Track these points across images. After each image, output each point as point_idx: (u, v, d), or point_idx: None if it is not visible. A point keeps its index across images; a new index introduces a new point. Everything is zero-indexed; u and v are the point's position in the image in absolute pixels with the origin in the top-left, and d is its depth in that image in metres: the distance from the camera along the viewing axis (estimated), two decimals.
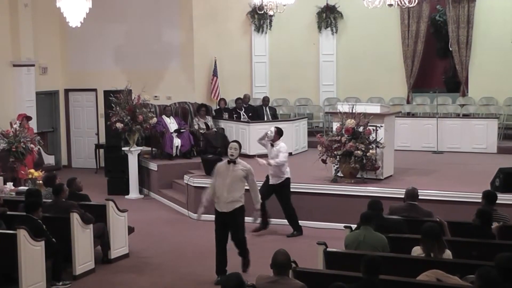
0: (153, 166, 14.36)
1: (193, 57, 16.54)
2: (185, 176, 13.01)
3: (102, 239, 9.57)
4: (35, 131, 14.90)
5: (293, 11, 15.39)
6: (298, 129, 15.46)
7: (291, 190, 11.61)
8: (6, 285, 8.21)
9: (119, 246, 9.83)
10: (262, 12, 15.07)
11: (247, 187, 8.84)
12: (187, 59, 16.60)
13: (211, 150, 14.48)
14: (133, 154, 14.21)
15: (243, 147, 14.43)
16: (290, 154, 14.75)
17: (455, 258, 6.77)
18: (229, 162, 8.68)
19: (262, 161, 10.70)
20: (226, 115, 15.73)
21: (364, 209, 7.87)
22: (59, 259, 8.62)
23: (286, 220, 11.41)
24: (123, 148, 14.32)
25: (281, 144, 10.97)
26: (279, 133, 11.06)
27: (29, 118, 14.60)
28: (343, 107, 11.95)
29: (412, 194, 8.55)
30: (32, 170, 12.55)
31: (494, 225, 7.70)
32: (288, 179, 11.05)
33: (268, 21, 17.30)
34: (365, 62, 17.19)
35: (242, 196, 8.68)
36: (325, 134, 13.00)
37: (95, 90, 17.17)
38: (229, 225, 8.69)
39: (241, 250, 8.91)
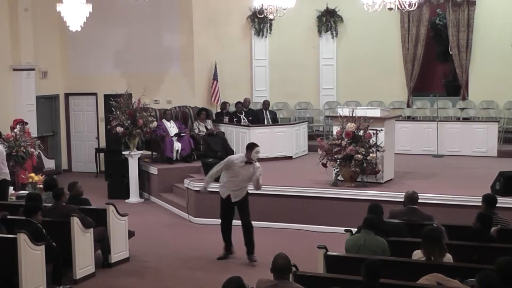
0: (153, 170, 14.35)
1: (193, 61, 16.54)
2: (185, 180, 13.00)
3: (102, 243, 9.56)
4: (36, 135, 14.90)
5: (293, 15, 15.38)
6: (298, 133, 15.45)
7: (292, 194, 11.64)
8: None
9: (119, 250, 9.82)
10: (262, 16, 15.07)
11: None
12: (187, 63, 16.61)
13: (211, 154, 14.48)
14: (133, 158, 14.21)
15: (243, 151, 14.56)
16: (290, 158, 14.86)
17: (455, 261, 6.76)
18: (246, 162, 9.57)
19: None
20: (226, 119, 15.73)
21: (364, 213, 7.87)
22: (59, 263, 8.61)
23: (288, 224, 11.43)
24: (123, 152, 14.32)
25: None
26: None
27: (25, 123, 14.57)
28: (343, 111, 11.95)
29: (412, 198, 8.53)
30: (32, 174, 12.57)
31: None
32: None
33: (268, 25, 17.30)
34: (365, 66, 17.19)
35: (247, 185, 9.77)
36: (325, 138, 13.01)
37: (95, 94, 17.18)
38: (238, 210, 9.78)
39: (248, 236, 9.78)
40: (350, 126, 11.46)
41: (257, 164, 9.72)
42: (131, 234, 10.24)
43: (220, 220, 10.05)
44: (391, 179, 12.15)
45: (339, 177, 11.78)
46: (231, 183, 9.71)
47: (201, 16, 16.56)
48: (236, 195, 9.73)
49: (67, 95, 17.70)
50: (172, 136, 14.68)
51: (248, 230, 9.78)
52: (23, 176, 12.64)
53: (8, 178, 11.44)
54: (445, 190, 11.16)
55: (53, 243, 8.52)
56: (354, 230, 7.80)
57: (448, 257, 6.71)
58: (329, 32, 17.43)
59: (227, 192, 9.77)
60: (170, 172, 14.15)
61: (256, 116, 15.88)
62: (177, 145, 14.57)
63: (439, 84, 18.15)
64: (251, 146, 9.69)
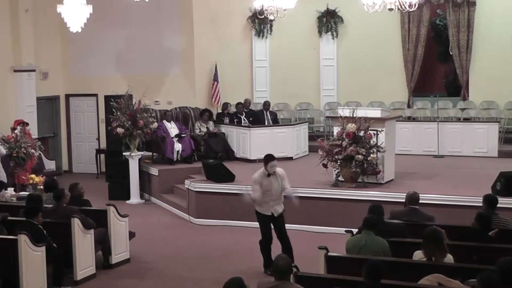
0: (154, 171, 14.36)
1: (194, 62, 16.56)
2: (186, 181, 13.00)
3: (103, 244, 9.56)
4: (36, 136, 14.90)
5: (293, 15, 15.39)
6: (298, 133, 15.44)
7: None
8: None
9: (120, 251, 9.82)
10: (263, 16, 15.07)
11: None
12: (188, 64, 16.62)
13: (212, 154, 14.48)
14: (134, 159, 14.21)
15: (244, 152, 14.65)
16: (291, 158, 14.85)
17: (456, 262, 6.76)
18: (268, 175, 9.25)
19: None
20: (226, 120, 15.74)
21: (365, 213, 7.86)
22: (60, 264, 8.61)
23: (289, 224, 11.38)
24: (124, 153, 14.32)
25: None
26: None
27: (26, 124, 14.58)
28: (344, 112, 11.94)
29: (413, 198, 8.54)
30: (33, 176, 12.56)
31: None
32: None
33: (269, 25, 17.31)
34: (365, 67, 17.19)
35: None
36: (326, 139, 12.99)
37: (96, 95, 17.19)
38: (277, 225, 9.41)
39: (287, 246, 9.34)
40: (351, 127, 11.46)
41: (279, 172, 9.37)
42: (131, 235, 10.24)
43: (263, 238, 9.45)
44: (391, 180, 12.14)
45: (340, 178, 11.77)
46: (269, 197, 9.32)
47: (201, 17, 16.56)
48: (277, 209, 9.41)
49: (67, 96, 17.71)
50: (172, 137, 14.68)
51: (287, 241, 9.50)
52: (23, 177, 12.63)
53: (5, 180, 11.62)
54: (446, 191, 11.15)
55: (54, 244, 8.52)
56: (355, 230, 7.80)
57: (449, 258, 6.71)
58: (329, 33, 17.42)
59: (269, 209, 9.38)
60: (171, 173, 14.15)
61: (257, 117, 15.89)
62: (178, 146, 14.57)
63: (440, 84, 18.14)
64: (266, 160, 9.29)
